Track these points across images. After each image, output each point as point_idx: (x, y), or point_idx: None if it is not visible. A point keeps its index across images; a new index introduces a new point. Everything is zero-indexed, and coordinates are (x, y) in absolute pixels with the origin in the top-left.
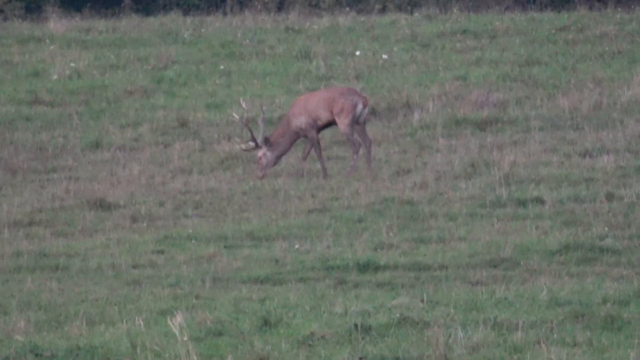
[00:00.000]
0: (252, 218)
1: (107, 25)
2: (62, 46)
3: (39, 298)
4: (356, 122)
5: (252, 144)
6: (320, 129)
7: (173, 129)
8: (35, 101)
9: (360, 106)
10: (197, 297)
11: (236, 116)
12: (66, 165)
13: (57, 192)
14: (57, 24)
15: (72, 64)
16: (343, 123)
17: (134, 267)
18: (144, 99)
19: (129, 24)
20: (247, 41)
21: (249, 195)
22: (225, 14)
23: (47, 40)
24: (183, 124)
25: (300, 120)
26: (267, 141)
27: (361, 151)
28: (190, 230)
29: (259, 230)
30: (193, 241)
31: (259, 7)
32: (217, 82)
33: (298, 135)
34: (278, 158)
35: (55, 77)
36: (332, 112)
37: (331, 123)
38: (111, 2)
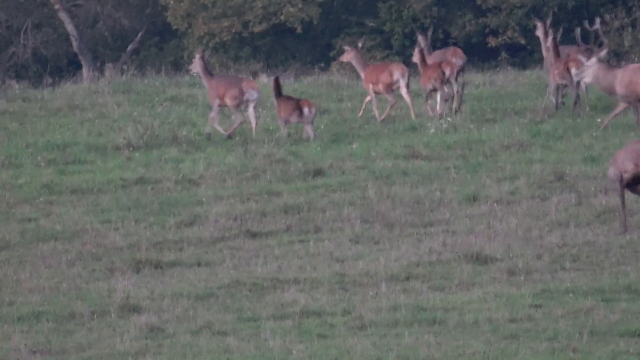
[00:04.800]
0: (629, 271)
1: (484, 78)
2: None
3: (416, 352)
4: None
5: None
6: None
7: (550, 182)
8: (412, 155)
9: None
10: (574, 350)
11: None
12: (443, 219)
13: (434, 246)
14: None
15: (448, 118)
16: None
17: (511, 321)
18: (520, 153)
19: (506, 77)
20: None
21: (626, 249)
22: None
23: None
24: (560, 177)
25: None
26: None
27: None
28: (568, 284)
29: (636, 284)
30: (570, 295)
31: None
32: (594, 135)
33: None
34: None
35: (432, 131)
36: None
37: None
38: (488, 57)
